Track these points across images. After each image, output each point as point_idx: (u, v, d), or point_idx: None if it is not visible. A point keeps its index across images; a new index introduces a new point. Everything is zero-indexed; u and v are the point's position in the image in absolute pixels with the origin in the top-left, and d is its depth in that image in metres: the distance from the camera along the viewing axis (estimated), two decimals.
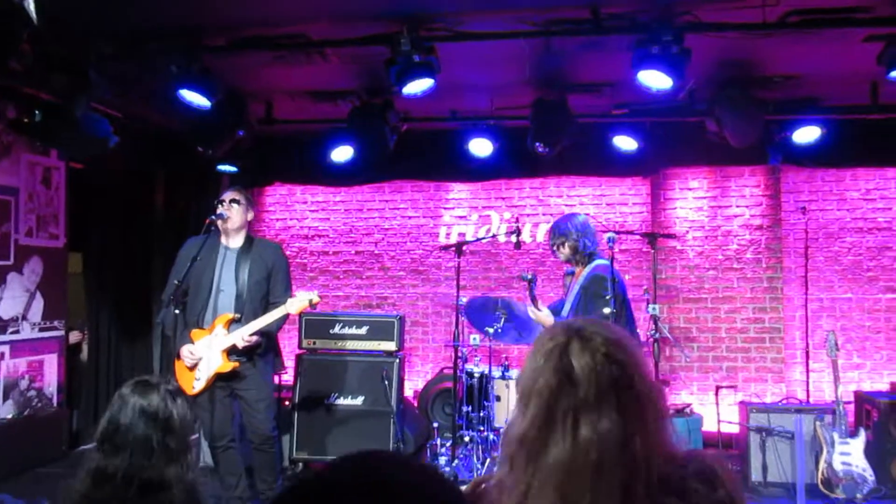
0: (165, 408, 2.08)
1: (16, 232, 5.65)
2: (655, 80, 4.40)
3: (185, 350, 4.23)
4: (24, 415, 5.69)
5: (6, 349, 5.56)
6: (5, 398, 5.55)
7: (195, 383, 4.23)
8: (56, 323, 6.06)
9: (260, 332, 4.23)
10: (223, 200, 4.39)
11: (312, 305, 4.24)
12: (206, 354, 4.22)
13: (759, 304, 6.69)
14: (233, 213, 4.37)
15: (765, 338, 6.66)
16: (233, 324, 4.26)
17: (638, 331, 4.26)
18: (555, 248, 4.35)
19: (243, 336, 4.17)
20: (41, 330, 5.90)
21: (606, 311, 3.89)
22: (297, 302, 4.21)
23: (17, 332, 5.65)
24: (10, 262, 5.59)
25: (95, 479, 1.97)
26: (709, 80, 5.21)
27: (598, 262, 4.25)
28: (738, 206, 6.78)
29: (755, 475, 5.26)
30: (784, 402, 5.74)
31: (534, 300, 4.09)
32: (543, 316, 4.11)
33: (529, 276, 4.07)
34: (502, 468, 1.36)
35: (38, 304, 5.87)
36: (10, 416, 5.56)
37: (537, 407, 1.31)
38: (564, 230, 4.28)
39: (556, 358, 1.33)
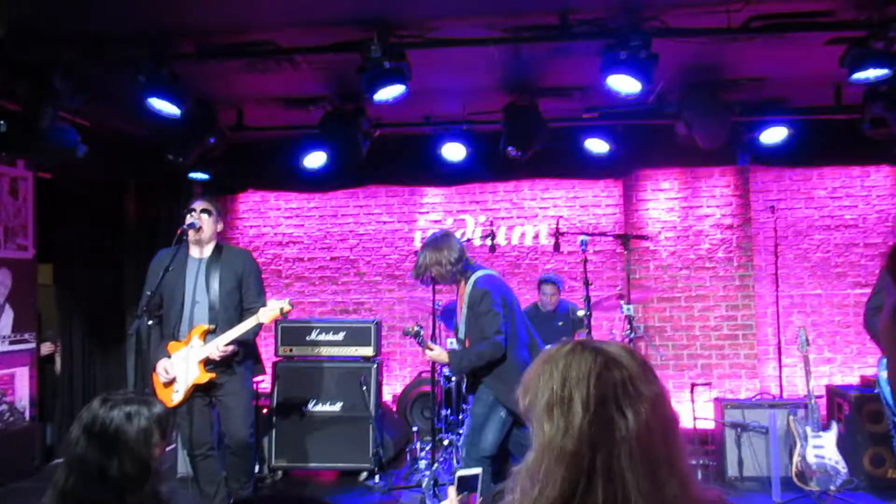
0: (113, 427, 1.98)
1: None
2: (624, 84, 4.45)
3: (160, 367, 4.21)
4: None
5: None
6: None
7: (174, 395, 4.21)
8: (27, 335, 5.97)
9: (235, 342, 4.21)
10: (193, 210, 4.35)
11: (283, 314, 4.22)
12: (183, 367, 4.20)
13: (732, 302, 6.79)
14: (203, 223, 4.32)
15: (738, 335, 6.77)
16: (208, 335, 4.23)
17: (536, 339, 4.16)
18: (423, 276, 4.08)
19: (218, 347, 4.15)
20: (11, 343, 5.81)
21: (581, 313, 3.91)
22: (269, 311, 4.17)
23: None
24: None
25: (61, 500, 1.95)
26: (677, 84, 5.29)
27: (477, 274, 4.04)
28: (708, 207, 6.88)
29: (731, 470, 5.33)
30: (758, 397, 5.82)
31: (423, 346, 4.08)
32: (436, 355, 4.08)
33: (413, 330, 4.08)
34: (548, 477, 1.29)
35: (8, 317, 5.78)
36: None
37: (586, 394, 1.29)
38: (424, 261, 4.02)
39: (580, 349, 1.35)
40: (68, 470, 1.97)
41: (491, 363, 3.92)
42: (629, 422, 1.26)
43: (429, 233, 7.32)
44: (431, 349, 4.04)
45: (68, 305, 6.67)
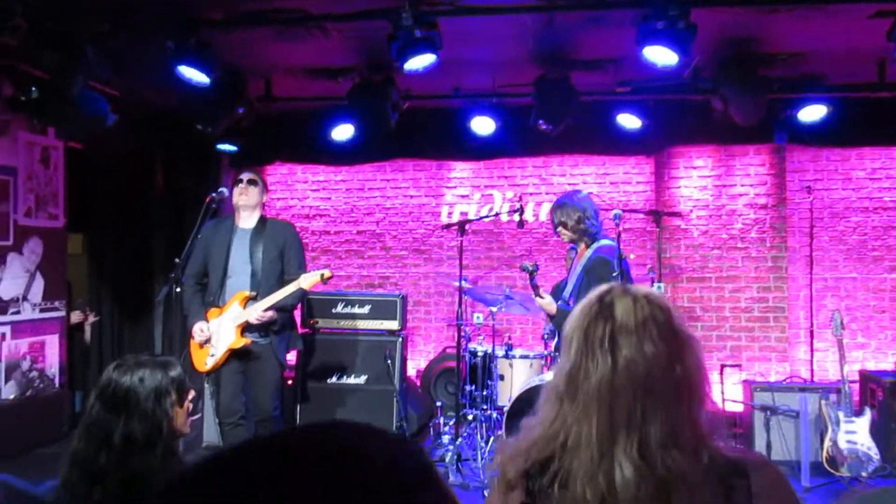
0: (123, 389, 1.97)
1: (14, 212, 5.61)
2: (661, 56, 4.33)
3: (196, 328, 4.30)
4: (26, 395, 5.68)
5: (7, 330, 5.54)
6: (7, 379, 5.54)
7: (208, 360, 4.28)
8: (56, 303, 6.03)
9: (275, 308, 4.25)
10: (241, 180, 4.47)
11: (324, 280, 4.26)
12: (219, 331, 4.26)
13: (764, 284, 6.65)
14: (250, 193, 4.44)
15: (769, 317, 6.64)
16: (249, 301, 4.30)
17: None
18: (557, 228, 4.20)
19: (257, 311, 4.19)
20: (42, 311, 5.88)
21: None
22: (309, 277, 4.23)
23: (17, 312, 5.63)
24: (10, 242, 5.56)
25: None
26: (714, 58, 5.14)
27: (601, 242, 4.13)
28: (742, 186, 6.73)
29: None
30: (788, 380, 5.72)
31: (535, 289, 4.06)
32: (546, 303, 4.07)
33: (530, 267, 4.05)
34: (542, 409, 1.40)
35: (39, 285, 5.84)
36: (12, 397, 5.55)
37: (577, 340, 1.36)
38: (567, 209, 4.14)
39: (596, 300, 1.40)
40: (80, 433, 1.97)
41: None
42: (595, 373, 1.31)
43: (456, 208, 7.30)
44: (542, 297, 4.05)
45: (98, 275, 6.75)
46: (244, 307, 4.28)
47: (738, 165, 6.74)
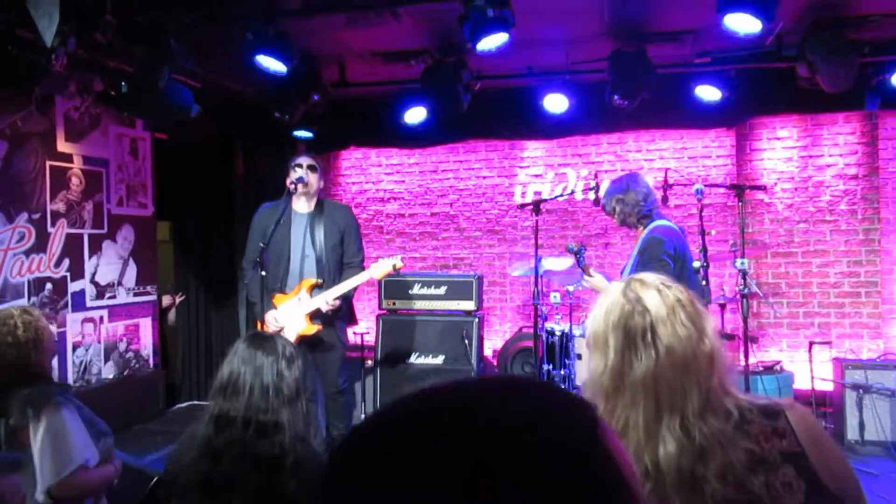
0: (278, 357, 2.23)
1: (108, 202, 5.90)
2: (743, 23, 4.18)
3: (270, 317, 4.40)
4: (125, 375, 6.00)
5: (105, 313, 5.85)
6: (106, 359, 5.86)
7: None
8: (149, 288, 6.33)
9: (341, 296, 4.34)
10: (300, 165, 4.49)
11: (396, 270, 4.32)
12: (289, 319, 4.36)
13: (855, 258, 6.37)
14: (310, 178, 4.47)
15: (860, 292, 6.36)
16: (315, 289, 4.38)
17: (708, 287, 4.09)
18: (608, 214, 4.21)
19: (327, 300, 4.29)
20: (135, 295, 6.18)
21: (696, 264, 3.77)
22: (381, 267, 4.30)
23: (113, 297, 5.93)
24: (105, 230, 5.85)
25: (218, 424, 2.07)
26: (799, 23, 4.92)
27: (656, 223, 4.04)
28: (830, 156, 6.43)
29: (851, 433, 5.07)
30: (883, 358, 5.48)
31: (584, 269, 4.02)
32: (596, 282, 4.02)
33: (575, 248, 4.00)
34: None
35: (132, 271, 6.14)
36: (111, 377, 5.88)
37: (616, 338, 1.44)
38: (609, 197, 4.12)
39: (622, 294, 1.48)
40: (261, 384, 2.19)
41: None
42: (640, 365, 1.40)
43: (530, 187, 7.25)
44: (591, 275, 4.02)
45: (184, 261, 7.02)
46: (311, 294, 4.36)
47: (825, 135, 6.45)
